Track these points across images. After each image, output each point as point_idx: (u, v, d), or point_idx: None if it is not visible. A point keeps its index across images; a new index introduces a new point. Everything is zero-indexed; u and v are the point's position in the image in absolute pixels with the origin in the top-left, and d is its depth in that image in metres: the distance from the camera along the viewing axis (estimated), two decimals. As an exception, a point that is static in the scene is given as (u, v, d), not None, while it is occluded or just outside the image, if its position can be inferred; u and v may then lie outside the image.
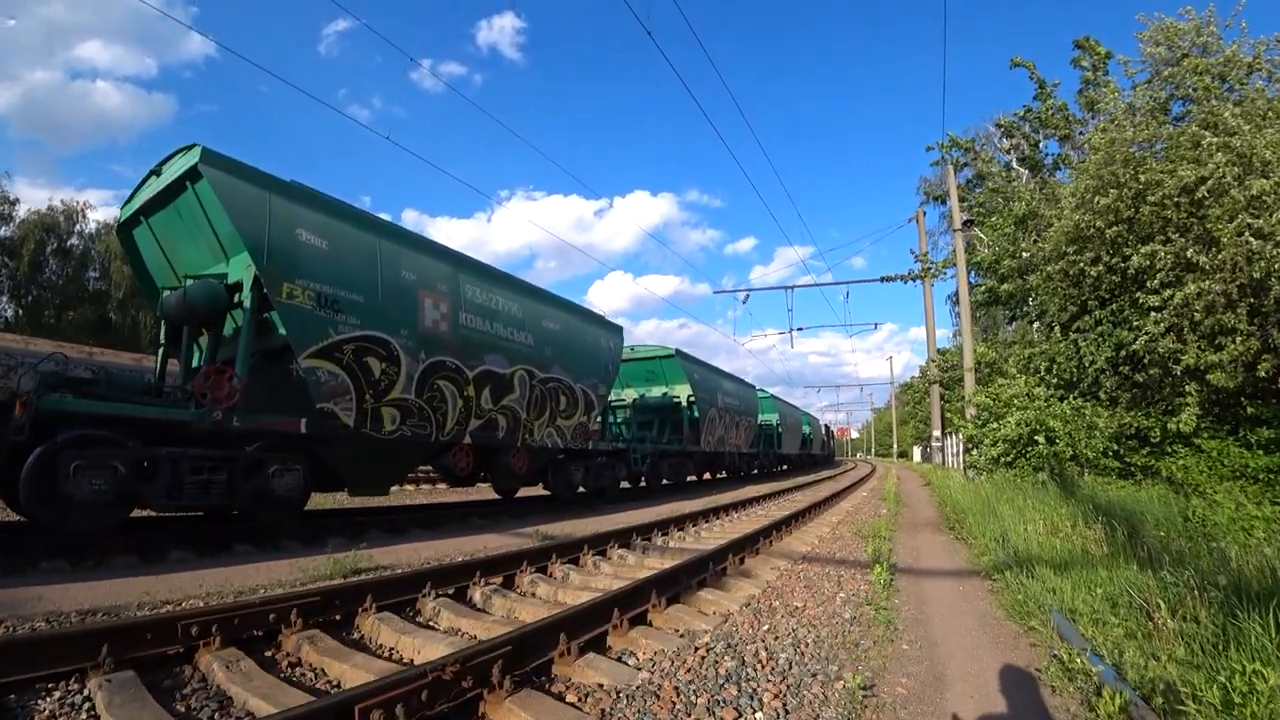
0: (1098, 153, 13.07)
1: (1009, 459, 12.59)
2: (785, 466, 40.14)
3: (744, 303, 32.84)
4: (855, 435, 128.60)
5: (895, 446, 75.75)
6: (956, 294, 39.84)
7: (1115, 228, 12.79)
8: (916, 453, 69.77)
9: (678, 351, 19.99)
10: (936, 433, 26.75)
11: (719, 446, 22.20)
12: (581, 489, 15.48)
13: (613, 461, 16.19)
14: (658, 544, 9.03)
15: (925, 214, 30.43)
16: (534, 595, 6.20)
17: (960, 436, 17.52)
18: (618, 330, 16.24)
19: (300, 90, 14.08)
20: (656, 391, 20.78)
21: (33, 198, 73.09)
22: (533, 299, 13.43)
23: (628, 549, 8.43)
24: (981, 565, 7.06)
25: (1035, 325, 16.29)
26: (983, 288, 15.43)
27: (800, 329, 36.83)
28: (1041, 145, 17.15)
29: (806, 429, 44.10)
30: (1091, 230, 13.18)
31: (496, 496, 15.86)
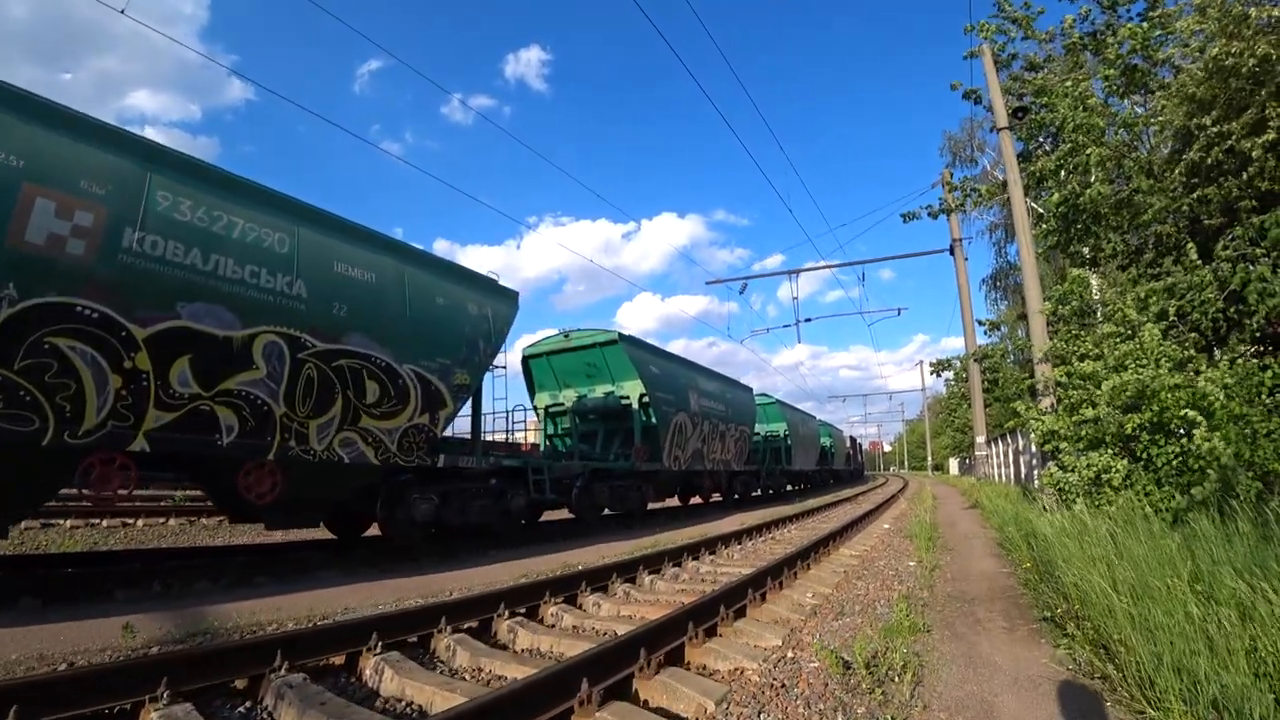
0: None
1: (1119, 476, 6.91)
2: (803, 485, 34.33)
3: (741, 293, 27.64)
4: (888, 448, 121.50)
5: (930, 459, 69.05)
6: (993, 275, 33.97)
7: (1293, 57, 7.28)
8: (953, 465, 63.27)
9: (622, 336, 14.61)
10: (980, 439, 20.99)
11: (694, 463, 16.69)
12: (442, 527, 10.20)
13: (502, 486, 10.83)
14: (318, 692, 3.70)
15: (952, 175, 25.04)
16: None
17: (1028, 437, 11.72)
18: (504, 295, 10.94)
19: (335, 125, 9.81)
20: (599, 391, 15.39)
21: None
22: (314, 228, 8.36)
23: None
24: None
25: (1126, 267, 10.66)
26: (1054, 199, 9.78)
27: (809, 320, 31.29)
28: (1121, 8, 11.54)
29: (826, 441, 38.15)
30: (1244, 70, 7.66)
31: (331, 536, 10.77)
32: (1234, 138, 8.05)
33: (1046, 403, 8.96)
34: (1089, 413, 7.12)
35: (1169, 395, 6.43)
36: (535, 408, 16.23)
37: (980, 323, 15.53)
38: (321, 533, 11.23)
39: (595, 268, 73.45)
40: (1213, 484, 5.77)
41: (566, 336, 15.47)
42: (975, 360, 17.19)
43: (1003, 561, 7.72)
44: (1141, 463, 7.06)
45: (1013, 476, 23.31)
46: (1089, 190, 9.04)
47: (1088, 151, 9.13)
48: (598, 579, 6.71)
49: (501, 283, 11.19)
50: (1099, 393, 7.05)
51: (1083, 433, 7.20)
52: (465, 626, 5.32)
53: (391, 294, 8.94)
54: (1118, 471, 6.93)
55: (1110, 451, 6.98)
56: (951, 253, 23.22)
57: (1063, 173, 9.94)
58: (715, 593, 5.16)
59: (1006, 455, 25.04)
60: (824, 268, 26.25)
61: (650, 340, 20.05)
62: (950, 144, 30.41)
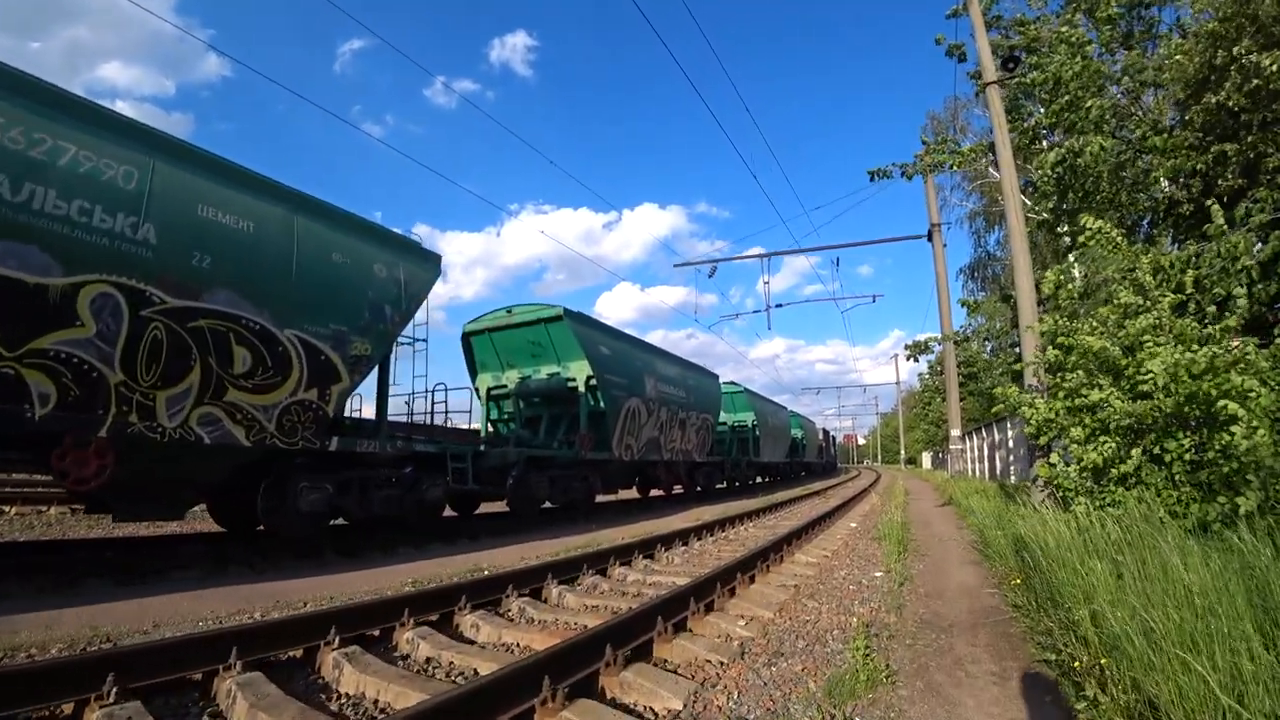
0: None
1: (1130, 465, 5.67)
2: (772, 478, 33.27)
3: (710, 276, 26.35)
4: (862, 442, 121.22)
5: (903, 453, 68.48)
6: (972, 265, 32.93)
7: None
8: (926, 459, 62.75)
9: (567, 312, 13.26)
10: (955, 432, 19.93)
11: (649, 453, 15.42)
12: (352, 520, 8.93)
13: (416, 475, 9.47)
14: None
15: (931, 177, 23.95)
16: None
17: (1006, 431, 10.47)
18: (421, 257, 9.59)
19: (316, 105, 8.62)
20: (544, 372, 14.04)
21: None
22: (175, 163, 7.03)
23: None
24: None
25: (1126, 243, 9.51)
26: (1050, 158, 8.54)
27: (780, 305, 30.07)
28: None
29: (797, 433, 37.09)
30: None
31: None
32: (1266, 73, 6.85)
33: (1034, 385, 7.72)
34: (1093, 396, 5.88)
35: (1215, 382, 5.18)
36: (476, 389, 14.86)
37: (963, 303, 14.29)
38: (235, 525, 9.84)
39: (576, 256, 72.10)
40: (1256, 491, 4.56)
41: (509, 312, 14.10)
42: (954, 343, 15.96)
43: (984, 571, 6.54)
44: (1148, 456, 5.85)
45: (988, 472, 22.35)
46: (1089, 147, 7.81)
47: (1087, 104, 7.91)
48: (488, 591, 5.42)
49: (424, 245, 9.82)
50: (1143, 373, 5.74)
51: (1085, 420, 5.98)
52: (285, 657, 4.03)
53: (274, 246, 7.55)
54: (1130, 461, 5.68)
55: (1117, 440, 5.77)
56: (930, 238, 22.17)
57: (1058, 133, 8.74)
58: (607, 624, 3.86)
59: (982, 450, 24.11)
60: (797, 252, 25.10)
61: (629, 330, 18.72)
62: (933, 124, 29.28)
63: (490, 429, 14.90)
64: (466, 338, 14.61)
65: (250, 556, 7.71)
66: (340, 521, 9.16)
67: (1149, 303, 6.01)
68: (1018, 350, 11.19)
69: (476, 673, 3.80)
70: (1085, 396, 6.02)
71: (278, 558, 7.75)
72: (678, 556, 8.17)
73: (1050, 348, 6.65)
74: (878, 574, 6.60)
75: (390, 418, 12.10)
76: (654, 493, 20.49)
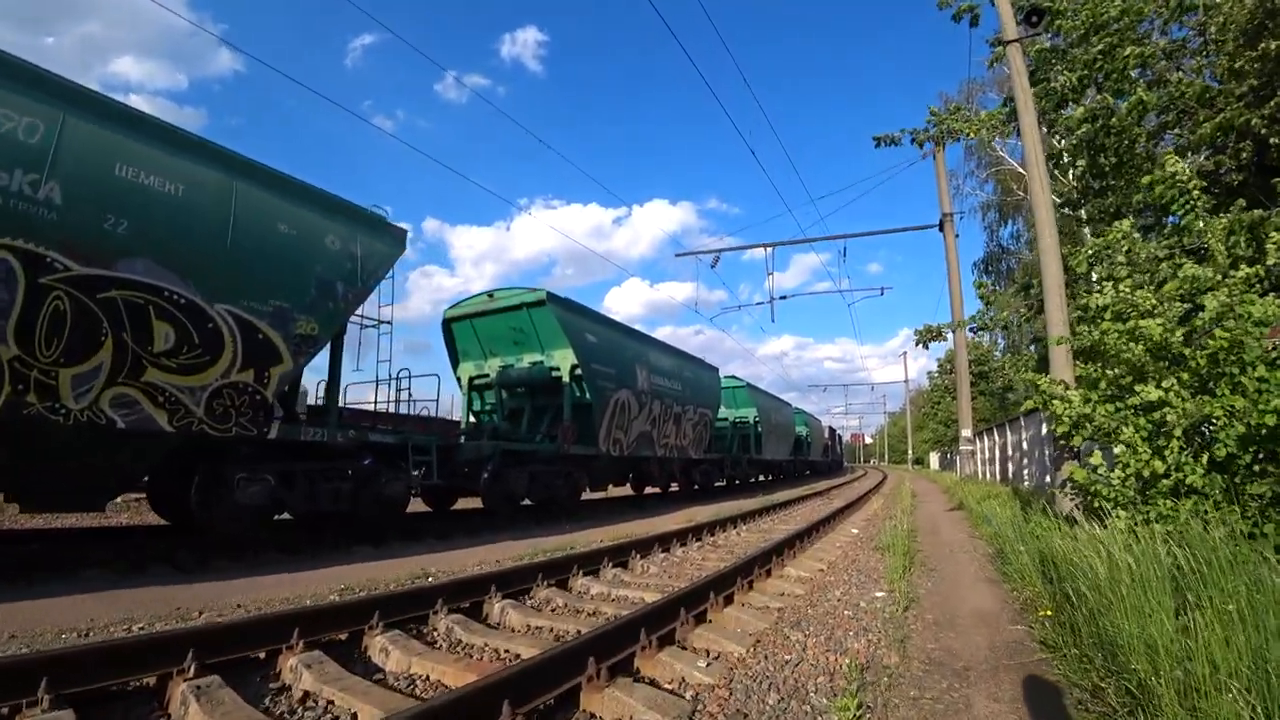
0: None
1: (1199, 475, 4.63)
2: (774, 476, 32.36)
3: (713, 267, 25.43)
4: (869, 441, 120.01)
5: (910, 453, 67.31)
6: (985, 259, 31.89)
7: None
8: (934, 459, 61.65)
9: (551, 296, 12.44)
10: (966, 432, 18.98)
11: (641, 448, 14.58)
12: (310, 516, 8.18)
13: (377, 468, 8.68)
14: None
15: (944, 147, 22.97)
16: None
17: (1020, 433, 9.39)
18: (381, 231, 8.79)
19: (327, 99, 8.21)
20: (526, 360, 13.21)
21: None
22: (89, 118, 6.39)
23: None
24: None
25: (1152, 228, 8.60)
26: (1079, 113, 7.53)
27: (784, 297, 29.08)
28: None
29: (802, 430, 36.11)
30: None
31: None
32: None
33: (1064, 375, 6.75)
34: (1151, 393, 4.96)
35: None
36: (458, 379, 14.07)
37: (977, 286, 13.31)
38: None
39: (585, 251, 71.66)
40: None
41: (491, 296, 13.28)
42: (969, 330, 14.95)
43: (1003, 593, 5.68)
44: (1210, 461, 4.87)
45: (999, 474, 21.43)
46: (1129, 101, 6.89)
47: (1125, 52, 6.98)
48: (413, 606, 4.62)
49: (389, 219, 8.99)
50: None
51: (1140, 422, 5.06)
52: (134, 685, 3.24)
53: (207, 213, 6.76)
54: (1196, 468, 4.73)
55: (1179, 444, 4.86)
56: (941, 229, 21.26)
57: (1089, 91, 7.82)
58: (507, 673, 3.04)
59: (993, 451, 23.20)
60: (803, 242, 24.12)
61: (637, 326, 17.85)
62: (947, 107, 28.29)
63: (472, 420, 14.13)
64: (447, 324, 13.82)
65: (178, 554, 6.91)
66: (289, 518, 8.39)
67: (1218, 275, 5.09)
68: (1034, 349, 10.25)
69: (355, 718, 3.00)
70: (1138, 394, 5.09)
71: (209, 556, 6.97)
72: (654, 565, 7.34)
73: (1110, 326, 5.57)
74: (879, 594, 5.74)
75: (374, 407, 11.33)
76: (649, 490, 19.68)
